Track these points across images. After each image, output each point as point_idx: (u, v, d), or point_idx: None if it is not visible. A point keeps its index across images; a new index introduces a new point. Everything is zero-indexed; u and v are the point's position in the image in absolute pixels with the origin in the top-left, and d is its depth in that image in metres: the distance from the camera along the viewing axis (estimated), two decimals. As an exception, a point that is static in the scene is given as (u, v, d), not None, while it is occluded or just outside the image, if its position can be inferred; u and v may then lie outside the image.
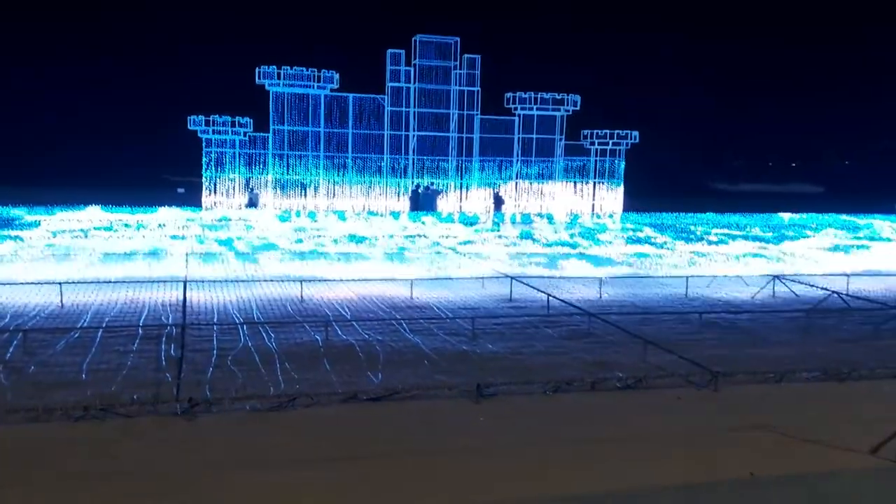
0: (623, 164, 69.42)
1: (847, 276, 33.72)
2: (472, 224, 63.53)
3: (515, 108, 66.28)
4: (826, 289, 30.05)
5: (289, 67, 60.95)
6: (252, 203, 63.44)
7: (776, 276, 32.48)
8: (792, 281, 32.16)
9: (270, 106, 61.74)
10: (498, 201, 67.96)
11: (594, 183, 69.50)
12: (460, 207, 66.68)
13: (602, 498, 11.62)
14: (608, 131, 68.57)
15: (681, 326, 24.05)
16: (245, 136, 62.00)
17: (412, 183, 65.68)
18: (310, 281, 29.94)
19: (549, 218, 67.51)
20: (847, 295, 29.41)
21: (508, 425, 14.80)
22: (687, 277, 32.31)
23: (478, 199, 66.92)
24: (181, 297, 26.41)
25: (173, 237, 47.86)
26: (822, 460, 13.26)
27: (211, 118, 60.88)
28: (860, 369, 18.92)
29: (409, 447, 13.48)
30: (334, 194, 64.00)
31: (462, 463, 12.83)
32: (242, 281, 31.08)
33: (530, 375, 18.00)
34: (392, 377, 17.54)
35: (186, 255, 38.95)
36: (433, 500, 11.44)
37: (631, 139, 68.86)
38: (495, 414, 15.36)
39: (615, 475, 12.46)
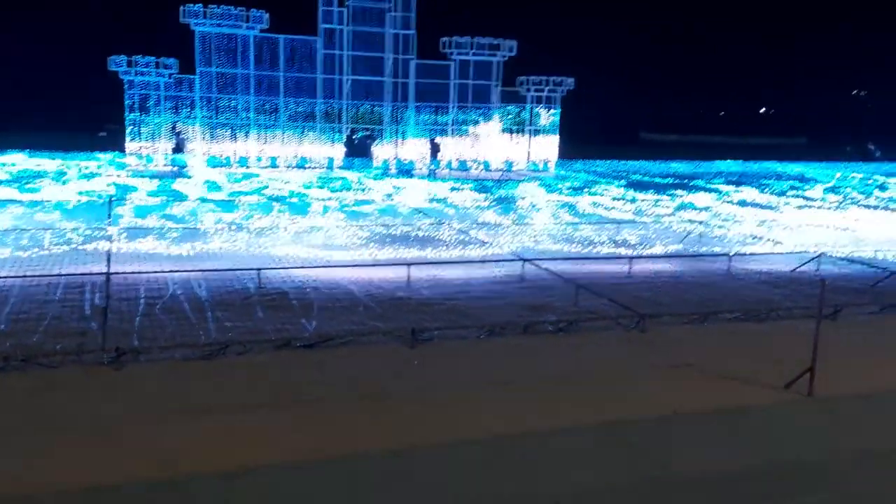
0: (559, 111, 69.59)
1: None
2: (408, 171, 62.99)
3: (451, 54, 65.30)
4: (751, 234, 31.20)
5: (215, 6, 58.19)
6: (178, 148, 61.16)
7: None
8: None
9: (196, 46, 59.06)
10: (434, 148, 67.40)
11: (530, 130, 69.61)
12: (396, 154, 65.94)
13: (533, 436, 11.96)
14: (544, 78, 68.36)
15: (612, 270, 24.61)
16: (170, 77, 59.32)
17: (346, 129, 64.43)
18: (243, 230, 29.30)
19: (486, 165, 67.56)
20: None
21: (443, 369, 14.99)
22: (619, 221, 32.90)
23: (414, 147, 66.26)
24: (106, 246, 25.53)
25: (117, 186, 45.92)
26: (740, 396, 13.96)
27: (133, 59, 57.89)
28: (778, 309, 19.85)
29: (344, 393, 13.52)
30: (266, 140, 62.28)
31: (397, 407, 12.96)
32: (174, 228, 30.16)
33: (465, 320, 18.21)
34: (326, 324, 17.46)
35: (111, 201, 37.52)
36: (368, 444, 11.54)
37: (566, 86, 68.84)
38: (430, 358, 15.52)
39: (546, 414, 12.82)
